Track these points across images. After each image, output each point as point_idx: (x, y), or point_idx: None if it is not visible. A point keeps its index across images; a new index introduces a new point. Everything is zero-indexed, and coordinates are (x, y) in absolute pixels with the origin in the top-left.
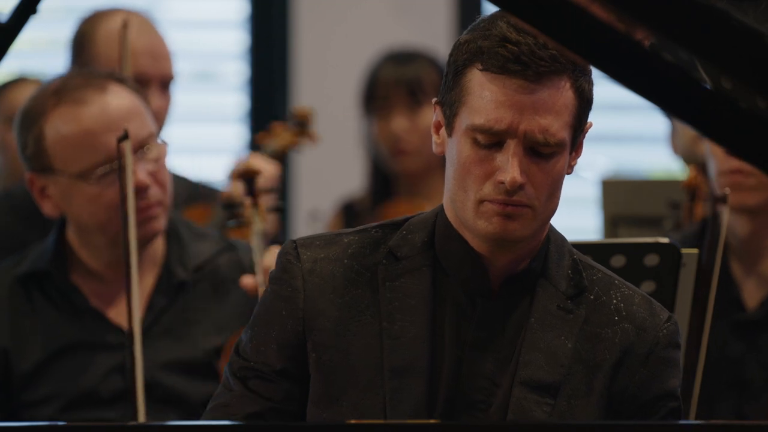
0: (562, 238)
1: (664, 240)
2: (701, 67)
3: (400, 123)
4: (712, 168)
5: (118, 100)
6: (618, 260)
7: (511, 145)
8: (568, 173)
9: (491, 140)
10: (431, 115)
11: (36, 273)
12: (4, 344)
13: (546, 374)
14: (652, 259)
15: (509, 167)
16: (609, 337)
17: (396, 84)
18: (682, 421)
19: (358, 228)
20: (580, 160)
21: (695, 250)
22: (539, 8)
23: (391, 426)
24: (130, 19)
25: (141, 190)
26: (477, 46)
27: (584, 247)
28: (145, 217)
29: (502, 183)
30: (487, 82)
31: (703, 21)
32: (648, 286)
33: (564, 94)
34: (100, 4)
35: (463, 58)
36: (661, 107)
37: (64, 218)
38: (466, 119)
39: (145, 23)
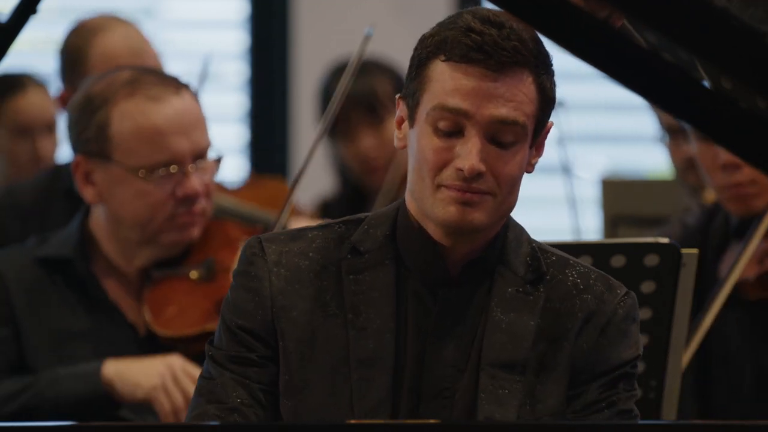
0: (521, 228)
1: (664, 240)
2: (701, 67)
3: (367, 142)
4: (710, 183)
5: (190, 105)
6: (618, 260)
7: (472, 132)
8: (529, 171)
9: (451, 126)
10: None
11: (58, 259)
12: (17, 321)
13: (511, 353)
14: (652, 259)
15: (468, 154)
16: (569, 310)
17: (353, 104)
18: (683, 421)
19: (321, 224)
20: (580, 160)
21: (695, 250)
22: (539, 8)
23: (391, 426)
24: (112, 26)
25: (192, 198)
26: (441, 37)
27: (584, 248)
28: (187, 222)
29: (461, 170)
30: (449, 70)
31: (703, 21)
32: (648, 286)
33: (526, 86)
34: (100, 5)
35: (426, 50)
36: (662, 107)
37: (87, 207)
38: (427, 105)
39: (125, 27)
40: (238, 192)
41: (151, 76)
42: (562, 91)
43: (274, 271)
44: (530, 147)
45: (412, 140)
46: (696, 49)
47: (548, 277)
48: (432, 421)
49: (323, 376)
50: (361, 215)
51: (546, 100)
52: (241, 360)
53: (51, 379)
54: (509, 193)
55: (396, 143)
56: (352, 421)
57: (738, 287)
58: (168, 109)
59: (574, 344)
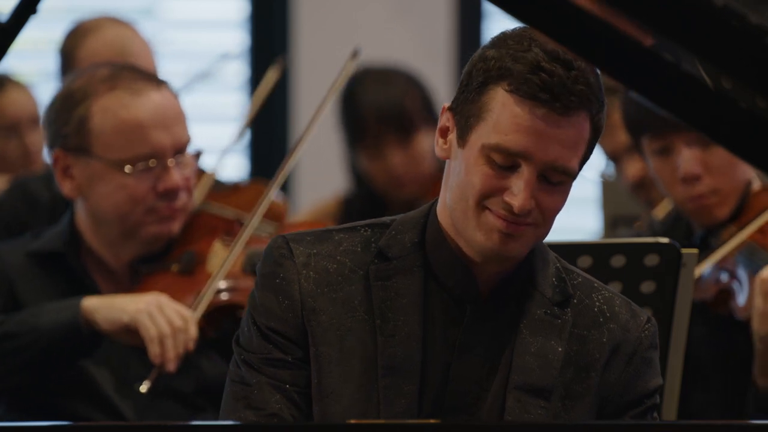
0: (545, 246)
1: (664, 240)
2: (701, 67)
3: (395, 158)
4: (670, 197)
5: (169, 99)
6: (618, 260)
7: (525, 171)
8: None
9: (506, 162)
10: (422, 138)
11: (50, 253)
12: (18, 304)
13: (539, 378)
14: (652, 259)
15: (520, 193)
16: (596, 338)
17: (382, 120)
18: (685, 421)
19: (346, 226)
20: None
21: (695, 250)
22: (539, 8)
23: (391, 426)
24: (103, 28)
25: (172, 192)
26: (506, 66)
27: (584, 247)
28: (167, 216)
29: (510, 205)
30: (512, 103)
31: (703, 21)
32: (648, 286)
33: (584, 130)
34: (100, 5)
35: (489, 74)
36: (662, 107)
37: (74, 205)
38: (483, 136)
39: (117, 29)
40: (221, 196)
41: (130, 72)
42: None
43: (303, 274)
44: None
45: (458, 159)
46: (696, 49)
47: (575, 300)
48: (432, 421)
49: (351, 381)
50: (386, 219)
51: (597, 135)
52: (275, 362)
53: (33, 310)
54: (548, 225)
55: (438, 152)
56: (352, 421)
57: (701, 306)
58: (148, 103)
59: (602, 376)
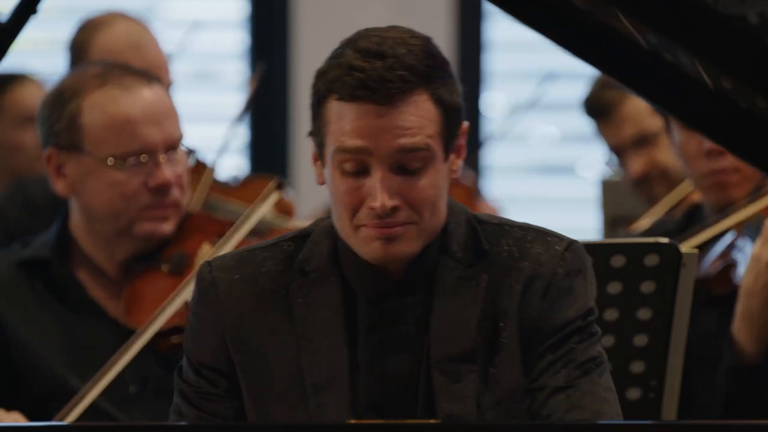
0: (460, 208)
1: (664, 240)
2: (701, 67)
3: None
4: (688, 172)
5: (160, 96)
6: (618, 260)
7: (375, 169)
8: (454, 177)
9: (356, 166)
10: None
11: (37, 261)
12: (1, 323)
13: (458, 344)
14: (652, 259)
15: (377, 193)
16: (508, 284)
17: None
18: (685, 421)
19: (271, 241)
20: (580, 160)
21: (695, 250)
22: (539, 9)
23: (391, 426)
24: (115, 22)
25: (164, 188)
26: (329, 77)
27: (585, 248)
28: (159, 215)
29: (373, 209)
30: (343, 110)
31: (703, 21)
32: (648, 286)
33: (422, 108)
34: (100, 4)
35: (321, 88)
36: (662, 107)
37: (68, 208)
38: (330, 147)
39: (129, 23)
40: (233, 191)
41: (121, 69)
42: (563, 91)
43: (225, 305)
44: (446, 159)
45: (327, 179)
46: (696, 49)
47: (487, 250)
48: (432, 421)
49: (282, 405)
50: (311, 227)
51: (450, 111)
52: (206, 395)
53: None
54: (432, 214)
55: (316, 179)
56: (352, 421)
57: (703, 284)
58: (139, 98)
59: (519, 317)
